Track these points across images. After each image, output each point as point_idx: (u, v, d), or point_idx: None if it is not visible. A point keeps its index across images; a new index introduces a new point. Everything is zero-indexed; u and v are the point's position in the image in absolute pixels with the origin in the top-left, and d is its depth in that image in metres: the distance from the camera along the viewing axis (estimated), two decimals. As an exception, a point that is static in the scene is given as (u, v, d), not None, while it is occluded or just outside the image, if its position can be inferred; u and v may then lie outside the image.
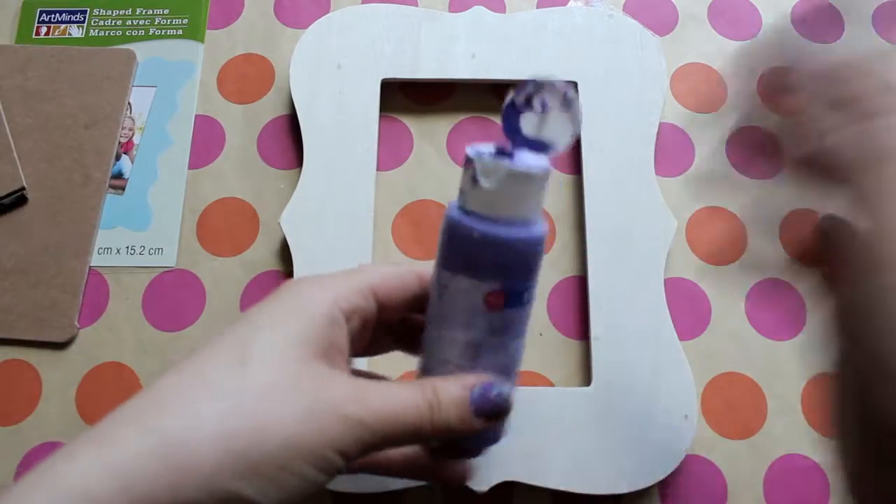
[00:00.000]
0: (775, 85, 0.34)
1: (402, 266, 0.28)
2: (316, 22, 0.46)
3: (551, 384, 0.41)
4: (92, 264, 0.43)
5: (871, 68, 0.30)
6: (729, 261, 0.43)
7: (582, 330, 0.42)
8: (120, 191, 0.45)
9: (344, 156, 0.43)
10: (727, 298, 0.42)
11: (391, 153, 0.46)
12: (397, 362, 0.41)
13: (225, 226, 0.44)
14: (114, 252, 0.44)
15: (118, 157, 0.45)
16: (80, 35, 0.49)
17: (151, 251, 0.44)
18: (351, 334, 0.26)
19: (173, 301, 0.42)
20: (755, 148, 0.46)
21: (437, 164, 0.46)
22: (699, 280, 0.43)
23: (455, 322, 0.25)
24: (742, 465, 0.39)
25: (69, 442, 0.22)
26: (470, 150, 0.24)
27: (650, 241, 0.42)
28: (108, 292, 0.43)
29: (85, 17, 0.49)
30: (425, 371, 0.27)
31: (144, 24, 0.49)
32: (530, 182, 0.24)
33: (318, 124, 0.44)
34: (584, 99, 0.45)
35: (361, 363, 0.39)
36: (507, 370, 0.26)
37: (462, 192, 0.25)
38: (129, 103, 0.47)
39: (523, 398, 0.39)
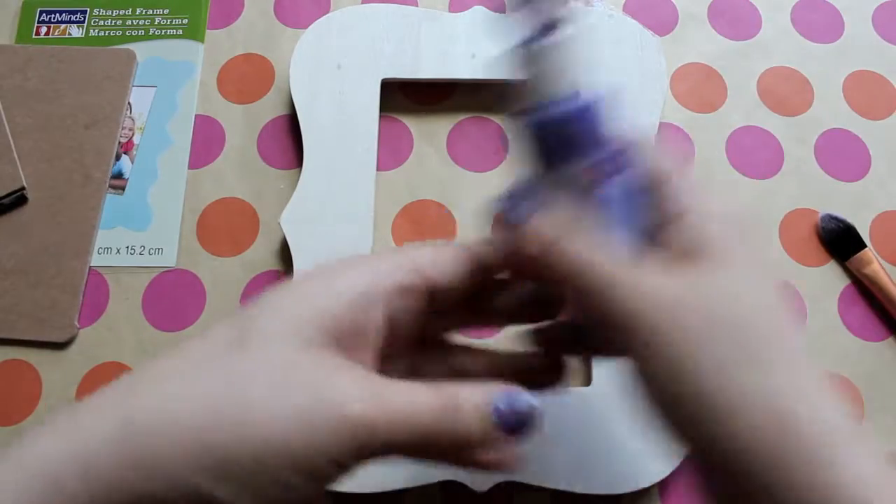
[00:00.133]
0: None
1: (449, 245, 0.25)
2: (316, 22, 0.46)
3: (551, 384, 0.41)
4: (92, 264, 0.43)
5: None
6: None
7: (582, 330, 0.42)
8: (120, 191, 0.45)
9: (344, 156, 0.43)
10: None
11: (391, 153, 0.46)
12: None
13: (225, 226, 0.44)
14: (114, 252, 0.44)
15: (118, 157, 0.45)
16: (80, 35, 0.49)
17: (151, 251, 0.44)
18: (392, 322, 0.23)
19: (173, 301, 0.42)
20: None
21: (437, 164, 0.46)
22: (699, 280, 0.43)
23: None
24: (742, 465, 0.39)
25: (49, 419, 0.21)
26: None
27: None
28: (108, 292, 0.43)
29: (85, 17, 0.49)
30: None
31: (144, 24, 0.49)
32: (558, 51, 0.25)
33: (318, 124, 0.44)
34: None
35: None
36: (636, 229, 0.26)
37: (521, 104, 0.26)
38: (129, 103, 0.47)
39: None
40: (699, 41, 0.49)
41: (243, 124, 0.46)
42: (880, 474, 0.20)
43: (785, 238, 0.44)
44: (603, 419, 0.38)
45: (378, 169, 0.44)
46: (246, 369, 0.20)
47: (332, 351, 0.22)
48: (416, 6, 0.49)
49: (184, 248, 0.44)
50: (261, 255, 0.43)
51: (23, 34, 0.49)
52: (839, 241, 0.43)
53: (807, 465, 0.20)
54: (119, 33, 0.49)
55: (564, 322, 0.28)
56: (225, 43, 0.49)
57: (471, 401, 0.22)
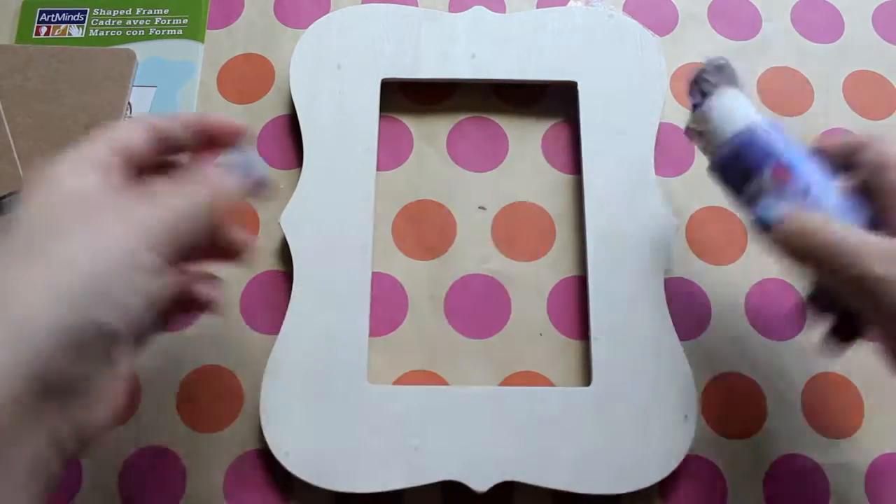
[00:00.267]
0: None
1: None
2: (316, 22, 0.46)
3: (551, 384, 0.41)
4: (92, 264, 0.43)
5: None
6: (729, 261, 0.43)
7: (582, 330, 0.42)
8: (120, 191, 0.45)
9: (344, 156, 0.43)
10: (727, 298, 0.42)
11: (391, 153, 0.46)
12: (395, 362, 0.42)
13: (225, 226, 0.44)
14: (114, 252, 0.43)
15: (118, 157, 0.45)
16: (80, 35, 0.49)
17: (151, 251, 0.43)
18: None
19: (173, 301, 0.42)
20: None
21: (437, 164, 0.46)
22: (699, 280, 0.43)
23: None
24: (742, 465, 0.39)
25: None
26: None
27: (650, 240, 0.42)
28: (108, 292, 0.43)
29: (85, 17, 0.49)
30: None
31: (144, 24, 0.49)
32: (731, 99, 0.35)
33: (318, 124, 0.44)
34: (584, 99, 0.45)
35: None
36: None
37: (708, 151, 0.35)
38: (129, 103, 0.47)
39: (523, 398, 0.39)
40: (699, 41, 0.49)
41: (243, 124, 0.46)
42: None
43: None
44: (603, 419, 0.38)
45: (378, 169, 0.44)
46: (56, 212, 0.25)
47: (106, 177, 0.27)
48: (416, 6, 0.49)
49: (184, 248, 0.44)
50: (261, 255, 0.43)
51: (23, 34, 0.49)
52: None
53: None
54: (119, 33, 0.49)
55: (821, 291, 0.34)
56: (225, 43, 0.49)
57: (215, 173, 0.30)
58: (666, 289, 0.41)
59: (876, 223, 0.30)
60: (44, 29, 0.49)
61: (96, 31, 0.49)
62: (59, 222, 0.25)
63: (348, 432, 0.38)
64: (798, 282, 0.43)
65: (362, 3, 0.49)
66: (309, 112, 0.44)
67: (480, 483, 0.37)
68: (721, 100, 0.34)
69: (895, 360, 0.29)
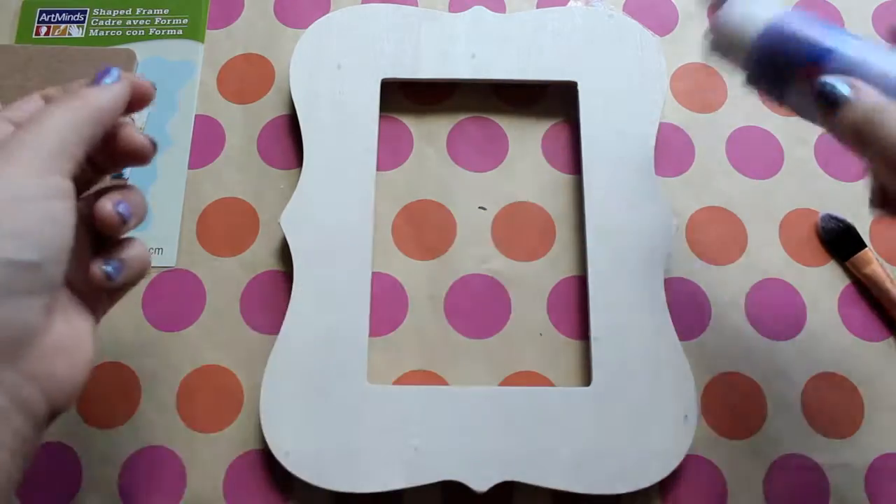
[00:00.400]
0: None
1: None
2: (316, 22, 0.46)
3: (551, 384, 0.41)
4: (92, 264, 0.43)
5: None
6: (729, 261, 0.43)
7: (582, 330, 0.42)
8: (120, 191, 0.45)
9: (344, 156, 0.43)
10: (727, 298, 0.43)
11: (391, 153, 0.46)
12: (395, 362, 0.42)
13: (225, 226, 0.44)
14: (114, 252, 0.44)
15: (118, 157, 0.45)
16: (80, 35, 0.49)
17: (151, 251, 0.43)
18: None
19: (173, 301, 0.42)
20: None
21: (437, 164, 0.46)
22: (699, 280, 0.43)
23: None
24: (742, 465, 0.39)
25: None
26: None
27: (650, 241, 0.42)
28: (108, 292, 0.43)
29: (85, 17, 0.49)
30: None
31: (144, 24, 0.49)
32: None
33: (318, 124, 0.44)
34: (584, 99, 0.45)
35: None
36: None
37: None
38: (129, 103, 0.47)
39: (523, 398, 0.39)
40: (699, 41, 0.49)
41: (243, 124, 0.46)
42: None
43: (785, 238, 0.44)
44: (603, 419, 0.38)
45: (378, 169, 0.44)
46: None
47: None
48: (416, 6, 0.49)
49: (184, 248, 0.44)
50: (261, 255, 0.43)
51: (23, 34, 0.49)
52: (839, 241, 0.43)
53: None
54: (119, 33, 0.49)
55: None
56: (225, 43, 0.49)
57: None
58: (666, 289, 0.41)
59: None
60: (44, 29, 0.49)
61: (96, 31, 0.49)
62: None
63: (348, 432, 0.38)
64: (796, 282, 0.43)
65: (362, 3, 0.49)
66: (309, 112, 0.44)
67: (480, 483, 0.37)
68: (734, 5, 0.32)
69: None
